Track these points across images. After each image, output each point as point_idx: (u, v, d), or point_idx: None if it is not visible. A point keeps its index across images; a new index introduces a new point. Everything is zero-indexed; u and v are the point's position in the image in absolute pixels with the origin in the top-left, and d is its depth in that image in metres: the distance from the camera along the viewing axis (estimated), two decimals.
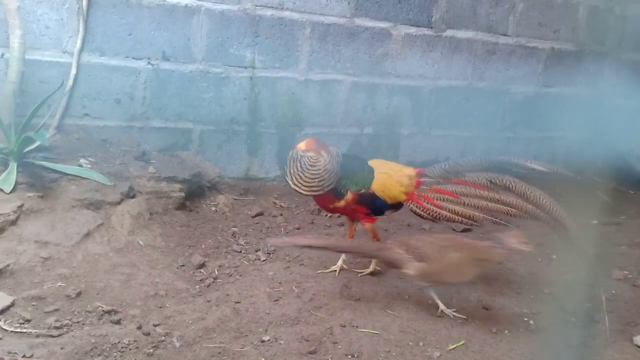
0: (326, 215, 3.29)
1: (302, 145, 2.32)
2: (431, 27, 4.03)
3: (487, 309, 2.35)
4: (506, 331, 2.18)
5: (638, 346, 2.15)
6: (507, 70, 4.36)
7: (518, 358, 2.01)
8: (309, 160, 2.30)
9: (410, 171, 2.50)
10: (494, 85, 4.36)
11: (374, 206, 2.45)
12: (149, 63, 3.34)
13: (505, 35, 4.29)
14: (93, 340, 1.84)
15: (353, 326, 2.10)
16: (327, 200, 2.42)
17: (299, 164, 2.31)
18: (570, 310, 2.27)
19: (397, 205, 2.50)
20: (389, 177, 2.45)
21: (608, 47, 4.70)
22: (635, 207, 4.06)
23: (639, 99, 4.56)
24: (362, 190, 2.40)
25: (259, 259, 2.65)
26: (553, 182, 2.46)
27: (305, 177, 2.31)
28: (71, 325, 1.94)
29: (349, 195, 2.40)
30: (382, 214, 2.54)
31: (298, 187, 2.34)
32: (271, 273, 2.48)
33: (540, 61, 4.48)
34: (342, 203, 2.42)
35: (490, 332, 2.17)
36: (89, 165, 2.83)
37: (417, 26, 3.98)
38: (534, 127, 4.59)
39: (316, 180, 2.31)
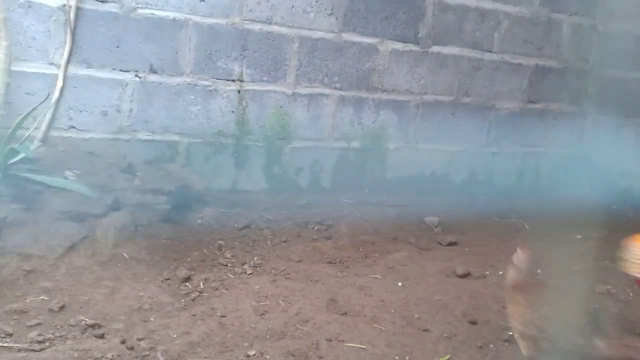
0: (313, 228, 3.29)
1: None
2: (418, 43, 4.08)
3: (473, 323, 2.35)
4: (491, 345, 2.19)
5: None
6: (492, 86, 4.42)
7: None
8: None
9: None
10: (480, 101, 4.41)
11: None
12: (136, 75, 3.33)
13: (490, 51, 4.36)
14: (76, 355, 1.81)
15: (339, 340, 2.09)
16: None
17: None
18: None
19: None
20: None
21: (591, 64, 4.79)
22: (618, 221, 4.11)
23: (622, 115, 4.64)
24: None
25: (245, 273, 2.63)
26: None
27: None
28: (54, 340, 1.91)
29: None
30: None
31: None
32: (257, 287, 2.46)
33: (525, 77, 4.55)
34: None
35: (476, 346, 2.17)
36: (74, 178, 2.81)
37: (404, 42, 4.03)
38: (518, 142, 4.65)
39: None
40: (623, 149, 4.62)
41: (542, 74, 4.61)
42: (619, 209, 4.51)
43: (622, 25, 4.62)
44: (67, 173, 2.84)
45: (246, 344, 2.01)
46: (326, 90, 3.87)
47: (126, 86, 3.32)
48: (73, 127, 3.24)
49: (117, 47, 3.26)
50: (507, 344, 2.22)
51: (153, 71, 3.37)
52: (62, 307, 2.09)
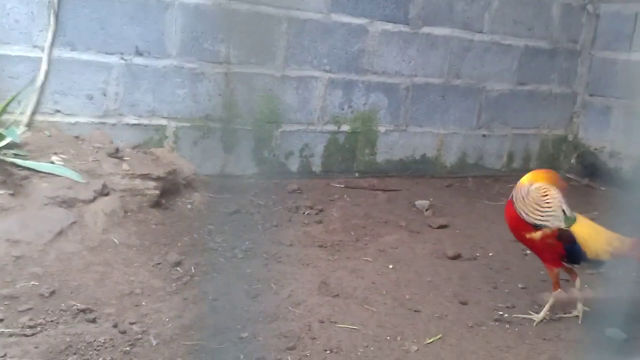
0: (304, 213, 3.28)
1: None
2: (408, 24, 4.05)
3: (463, 304, 2.37)
4: (482, 325, 2.21)
5: (610, 337, 2.20)
6: (482, 67, 4.41)
7: (494, 351, 2.03)
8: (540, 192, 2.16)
9: (624, 238, 2.22)
10: (470, 83, 4.40)
11: (571, 249, 2.20)
12: (121, 58, 3.28)
13: (480, 32, 4.34)
14: (68, 339, 1.80)
15: (331, 322, 2.10)
16: (523, 227, 2.20)
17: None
18: (544, 304, 2.31)
19: (594, 262, 2.27)
20: (595, 231, 2.24)
21: (581, 45, 4.79)
22: (607, 203, 4.14)
23: (611, 96, 4.66)
24: (564, 227, 2.18)
25: (236, 257, 2.62)
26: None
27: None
28: (45, 324, 1.89)
29: (549, 229, 2.17)
30: (575, 263, 2.28)
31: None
32: (249, 270, 2.46)
33: (515, 58, 4.54)
34: (538, 234, 2.18)
35: (467, 326, 2.19)
36: (61, 163, 2.77)
37: (394, 22, 3.99)
38: (508, 124, 4.66)
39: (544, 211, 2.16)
40: (612, 131, 4.64)
41: (532, 55, 4.61)
42: (608, 190, 4.55)
43: (612, 6, 4.62)
44: (54, 158, 2.80)
45: (239, 327, 2.01)
46: (315, 73, 3.84)
47: (112, 69, 3.27)
48: (59, 111, 3.19)
49: (102, 29, 3.20)
50: (497, 323, 2.24)
51: (139, 53, 3.32)
52: (52, 293, 2.07)
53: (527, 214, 2.16)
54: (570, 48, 4.75)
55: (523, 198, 2.17)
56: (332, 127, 3.99)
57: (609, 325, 2.21)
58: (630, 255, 2.22)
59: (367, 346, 1.97)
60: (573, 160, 4.93)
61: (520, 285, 2.61)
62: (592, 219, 2.33)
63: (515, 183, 2.25)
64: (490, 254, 2.95)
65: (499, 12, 4.37)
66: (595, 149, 4.77)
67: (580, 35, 4.76)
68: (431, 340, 2.06)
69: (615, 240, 2.21)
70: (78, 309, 1.99)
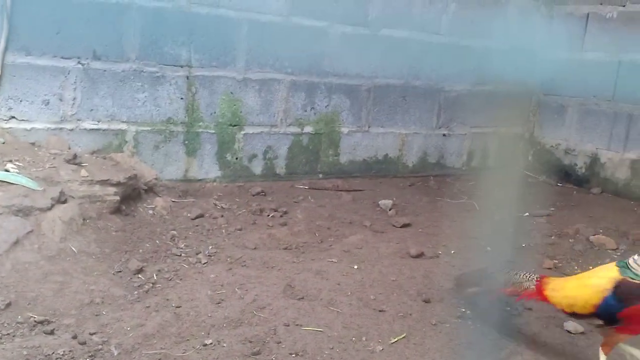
0: (268, 216, 3.27)
1: None
2: (367, 26, 4.08)
3: (427, 302, 2.40)
4: (445, 323, 2.25)
5: (569, 331, 2.27)
6: (441, 68, 4.48)
7: (457, 348, 2.07)
8: None
9: None
10: (429, 84, 4.47)
11: None
12: (79, 62, 3.21)
13: (438, 34, 4.41)
14: (25, 352, 1.75)
15: (297, 325, 2.10)
16: None
17: None
18: (505, 300, 2.36)
19: None
20: None
21: (536, 46, 4.90)
22: (563, 199, 4.27)
23: (565, 95, 4.80)
24: None
25: (200, 262, 2.60)
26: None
27: None
28: (1, 338, 1.84)
29: None
30: None
31: None
32: (213, 275, 2.44)
33: (473, 59, 4.62)
34: None
35: (431, 324, 2.22)
36: (17, 170, 2.69)
37: (353, 25, 4.02)
38: (467, 124, 4.75)
39: None
40: (566, 129, 4.79)
41: (489, 56, 4.69)
42: (563, 187, 4.69)
43: (565, 7, 4.76)
44: (9, 165, 2.72)
45: (202, 333, 1.99)
46: (278, 75, 3.84)
47: (68, 74, 3.20)
48: (13, 117, 3.10)
49: (58, 33, 3.13)
50: (460, 320, 2.28)
51: (97, 58, 3.25)
52: (8, 305, 2.01)
53: None
54: (527, 48, 4.85)
55: None
56: (295, 129, 3.99)
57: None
58: None
59: (332, 348, 1.98)
60: (530, 158, 5.06)
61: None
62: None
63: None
64: (452, 252, 3.00)
65: (457, 14, 4.45)
66: (551, 146, 4.91)
67: (536, 36, 4.88)
68: (396, 339, 2.08)
69: None
70: (36, 321, 1.94)
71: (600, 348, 1.89)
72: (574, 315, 1.94)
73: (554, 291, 1.97)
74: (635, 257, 1.83)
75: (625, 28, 4.34)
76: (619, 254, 3.11)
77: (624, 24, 4.37)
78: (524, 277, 2.06)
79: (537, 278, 2.04)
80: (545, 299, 1.99)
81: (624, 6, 4.37)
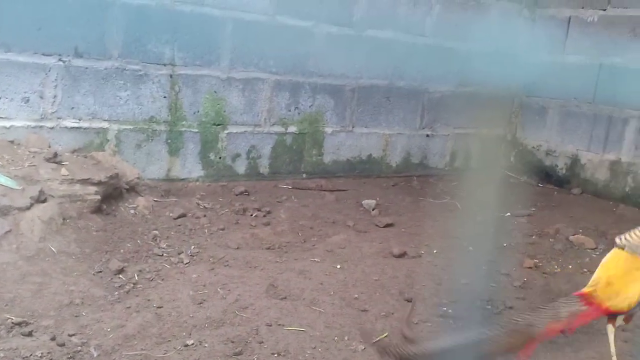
0: (251, 215, 3.26)
1: None
2: (352, 27, 4.09)
3: (408, 301, 2.41)
4: (427, 322, 2.26)
5: None
6: (425, 70, 4.50)
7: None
8: None
9: None
10: (414, 85, 4.49)
11: None
12: (60, 60, 3.17)
13: (423, 35, 4.43)
14: (2, 355, 1.72)
15: (279, 325, 2.09)
16: None
17: None
18: (486, 298, 2.38)
19: None
20: None
21: (518, 48, 4.95)
22: (544, 199, 4.32)
23: (546, 97, 4.85)
24: None
25: (182, 262, 2.58)
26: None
27: None
28: None
29: None
30: None
31: None
32: (195, 275, 2.42)
33: (456, 61, 4.66)
34: None
35: (412, 323, 2.23)
36: None
37: (339, 25, 4.03)
38: (451, 125, 4.78)
39: None
40: (548, 130, 4.84)
41: (473, 58, 4.73)
42: (544, 188, 4.74)
43: (547, 10, 4.82)
44: None
45: (184, 334, 1.98)
46: (262, 75, 3.83)
47: (49, 71, 3.15)
48: None
49: (39, 29, 3.08)
50: (441, 319, 2.29)
51: (78, 55, 3.21)
52: None
53: None
54: (508, 50, 4.90)
55: None
56: (279, 129, 3.98)
57: None
58: None
59: (314, 347, 1.98)
60: (512, 159, 5.11)
61: (462, 281, 2.68)
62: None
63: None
64: (435, 251, 3.02)
65: (441, 16, 4.48)
66: (533, 147, 4.96)
67: (518, 38, 4.93)
68: (378, 339, 2.09)
69: None
70: (13, 323, 1.91)
71: (608, 325, 1.92)
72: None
73: (610, 300, 1.89)
74: None
75: (606, 32, 4.41)
76: (597, 253, 3.15)
77: (604, 27, 4.43)
78: (563, 305, 1.91)
79: (578, 299, 1.91)
80: (607, 311, 1.91)
81: (604, 10, 4.43)
